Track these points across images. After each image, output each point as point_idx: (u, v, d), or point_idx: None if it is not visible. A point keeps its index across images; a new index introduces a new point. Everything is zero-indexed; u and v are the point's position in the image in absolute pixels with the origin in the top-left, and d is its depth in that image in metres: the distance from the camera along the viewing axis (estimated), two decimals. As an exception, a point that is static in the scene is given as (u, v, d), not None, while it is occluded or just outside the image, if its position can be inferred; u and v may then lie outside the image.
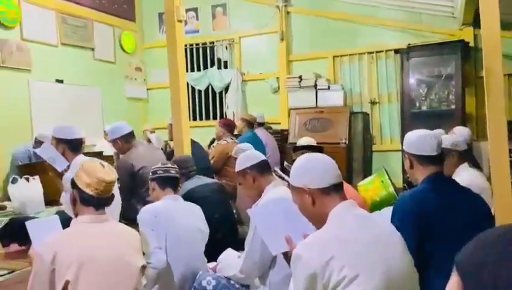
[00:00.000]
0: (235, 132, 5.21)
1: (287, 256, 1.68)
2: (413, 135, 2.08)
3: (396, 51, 5.51)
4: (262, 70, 6.55)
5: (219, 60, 6.95)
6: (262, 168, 2.31)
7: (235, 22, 6.70)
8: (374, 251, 1.37)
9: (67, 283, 1.64)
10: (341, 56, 6.06)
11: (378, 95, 5.90)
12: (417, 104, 5.34)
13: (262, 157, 2.37)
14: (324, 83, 5.79)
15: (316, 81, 5.80)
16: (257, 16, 6.49)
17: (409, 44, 5.32)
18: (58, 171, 3.01)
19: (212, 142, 5.18)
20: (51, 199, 4.16)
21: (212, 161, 4.50)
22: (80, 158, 2.90)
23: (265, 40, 6.53)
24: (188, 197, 2.85)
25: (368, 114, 5.88)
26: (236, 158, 3.57)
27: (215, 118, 6.82)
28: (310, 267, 1.32)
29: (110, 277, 1.72)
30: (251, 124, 5.34)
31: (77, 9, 6.04)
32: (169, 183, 2.58)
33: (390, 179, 3.49)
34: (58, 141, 3.00)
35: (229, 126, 4.92)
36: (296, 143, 4.83)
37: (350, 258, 1.32)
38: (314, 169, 1.53)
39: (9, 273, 2.34)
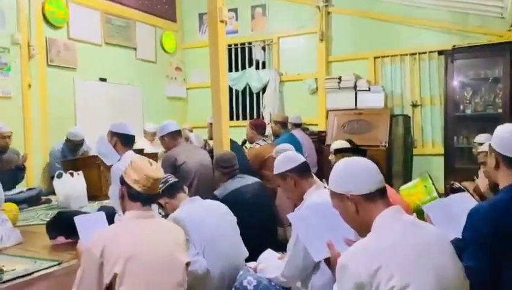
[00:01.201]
0: (268, 133, 5.14)
1: (329, 262, 1.65)
2: (505, 131, 1.74)
3: (441, 53, 5.38)
4: (301, 71, 6.51)
5: (257, 61, 6.96)
6: (303, 170, 2.25)
7: (274, 23, 6.70)
8: (425, 259, 1.31)
9: (115, 276, 1.67)
10: (382, 57, 5.95)
11: (420, 97, 5.76)
12: (461, 108, 5.19)
13: (301, 159, 2.31)
14: (364, 84, 5.69)
15: (355, 82, 5.72)
16: (296, 17, 6.46)
17: (454, 45, 5.17)
18: (107, 165, 3.10)
19: (244, 142, 5.12)
20: (93, 194, 4.30)
21: (247, 164, 4.48)
22: (130, 153, 3.00)
23: (304, 41, 6.50)
24: (232, 197, 2.86)
25: (409, 117, 5.73)
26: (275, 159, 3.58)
27: (251, 118, 6.83)
28: (357, 277, 1.27)
29: (157, 271, 1.75)
30: (285, 124, 5.30)
31: (121, 10, 6.19)
32: (176, 189, 2.59)
33: (434, 184, 3.39)
34: (113, 134, 3.12)
35: (259, 127, 4.74)
36: (335, 145, 4.77)
37: (399, 268, 1.26)
38: (356, 174, 1.47)
39: (57, 265, 2.41)
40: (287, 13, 6.57)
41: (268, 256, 2.43)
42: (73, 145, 4.93)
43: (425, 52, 5.69)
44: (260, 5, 6.78)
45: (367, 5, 5.96)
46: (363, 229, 1.46)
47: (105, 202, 4.01)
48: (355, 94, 5.71)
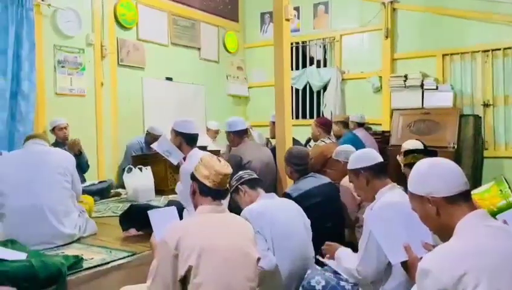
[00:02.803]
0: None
1: (406, 265, 1.60)
2: None
3: (517, 49, 5.07)
4: (364, 69, 6.36)
5: (318, 59, 6.90)
6: (378, 170, 2.19)
7: (337, 20, 6.61)
8: None
9: (190, 268, 1.71)
10: (451, 54, 5.69)
11: (492, 96, 5.45)
12: (539, 108, 4.86)
13: (378, 158, 2.26)
14: (432, 82, 5.49)
15: (422, 80, 5.52)
16: (360, 13, 6.33)
17: (533, 41, 4.85)
18: (173, 164, 3.15)
19: (307, 141, 5.09)
20: (160, 189, 4.46)
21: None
22: (196, 152, 3.03)
23: (368, 38, 6.36)
24: (304, 198, 2.83)
25: (480, 117, 5.44)
26: (336, 160, 3.53)
27: (311, 116, 6.79)
28: (440, 283, 1.22)
29: (230, 265, 1.78)
30: (346, 124, 5.21)
31: (186, 11, 6.36)
32: (258, 184, 2.63)
33: (510, 188, 3.19)
34: (177, 134, 3.14)
35: (325, 126, 4.67)
36: (398, 145, 4.60)
37: (487, 274, 1.20)
38: (438, 176, 1.42)
39: (131, 255, 2.52)
40: (350, 10, 6.46)
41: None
42: (151, 139, 5.14)
43: (499, 49, 5.38)
44: (323, 3, 6.71)
45: (435, 1, 5.73)
46: (444, 233, 1.41)
47: (171, 197, 4.15)
48: (422, 93, 5.52)
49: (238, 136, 3.81)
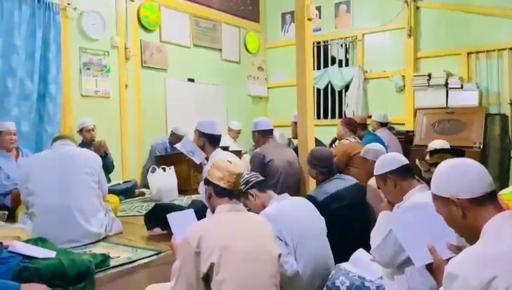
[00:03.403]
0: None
1: (431, 268, 1.57)
2: None
3: (546, 46, 4.94)
4: (386, 68, 6.29)
5: (340, 58, 6.86)
6: (405, 173, 2.18)
7: (359, 19, 6.56)
8: None
9: (212, 265, 1.74)
10: (477, 52, 5.57)
11: (520, 95, 5.33)
12: None
13: (403, 160, 2.24)
14: (456, 81, 5.40)
15: (447, 79, 5.43)
16: (382, 12, 6.26)
17: (563, 37, 4.71)
18: (196, 164, 3.19)
19: (333, 141, 5.08)
20: (183, 189, 4.51)
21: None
22: (218, 152, 3.06)
23: (391, 37, 6.29)
24: (330, 201, 2.81)
25: (507, 116, 5.32)
26: (364, 158, 3.50)
27: (333, 117, 6.77)
28: (469, 288, 1.19)
29: (251, 262, 1.80)
30: (364, 125, 5.17)
31: (208, 12, 6.41)
32: (266, 186, 2.60)
33: (540, 188, 3.11)
34: (201, 135, 3.17)
35: (352, 125, 4.61)
36: (422, 145, 4.55)
37: None
38: (463, 176, 1.38)
39: (156, 254, 2.56)
40: (372, 9, 6.40)
41: (360, 256, 2.38)
42: (176, 139, 5.21)
43: (527, 46, 5.26)
44: (344, 2, 6.67)
45: (460, -3, 5.65)
46: (470, 235, 1.38)
47: (194, 196, 4.19)
48: (447, 92, 5.43)
49: (262, 135, 3.86)
